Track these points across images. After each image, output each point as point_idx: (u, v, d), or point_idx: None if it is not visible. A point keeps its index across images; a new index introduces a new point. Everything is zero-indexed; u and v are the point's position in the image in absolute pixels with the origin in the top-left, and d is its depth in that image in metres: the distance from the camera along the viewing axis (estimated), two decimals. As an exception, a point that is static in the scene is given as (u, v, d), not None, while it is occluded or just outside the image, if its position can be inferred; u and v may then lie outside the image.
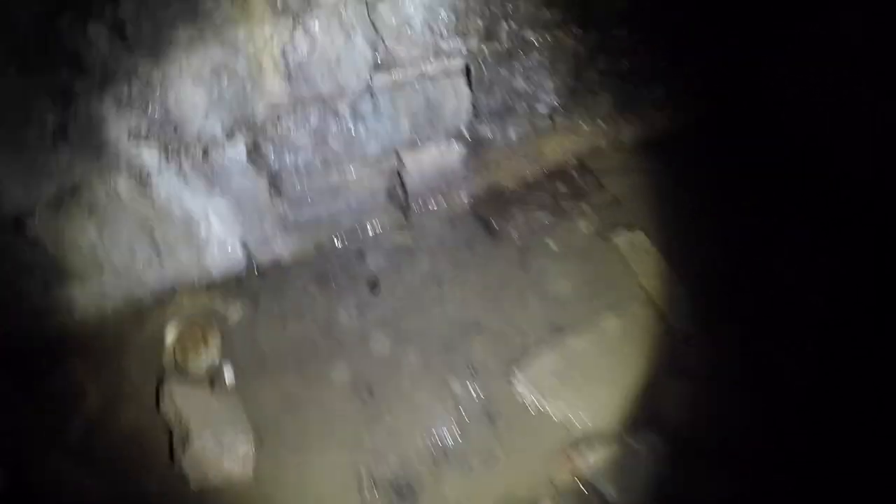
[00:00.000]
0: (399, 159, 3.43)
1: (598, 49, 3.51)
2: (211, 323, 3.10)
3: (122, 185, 2.90)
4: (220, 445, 2.52)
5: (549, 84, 3.53)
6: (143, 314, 3.19)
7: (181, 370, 2.88)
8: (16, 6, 2.34)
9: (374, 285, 3.30)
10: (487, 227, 3.47)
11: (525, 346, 2.92)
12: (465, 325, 3.03)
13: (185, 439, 2.53)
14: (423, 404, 2.78)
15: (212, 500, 2.46)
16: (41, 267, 2.95)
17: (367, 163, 3.37)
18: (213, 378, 2.86)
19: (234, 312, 3.23)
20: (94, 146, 2.74)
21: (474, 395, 2.79)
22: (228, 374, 2.90)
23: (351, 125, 3.22)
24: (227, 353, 2.97)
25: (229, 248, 3.32)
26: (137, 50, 2.60)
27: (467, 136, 3.50)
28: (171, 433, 2.64)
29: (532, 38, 3.33)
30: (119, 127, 2.75)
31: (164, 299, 3.22)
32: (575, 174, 3.67)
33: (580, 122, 3.75)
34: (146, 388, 2.80)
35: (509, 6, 3.16)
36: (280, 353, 2.98)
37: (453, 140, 3.48)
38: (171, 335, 3.03)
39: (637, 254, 3.23)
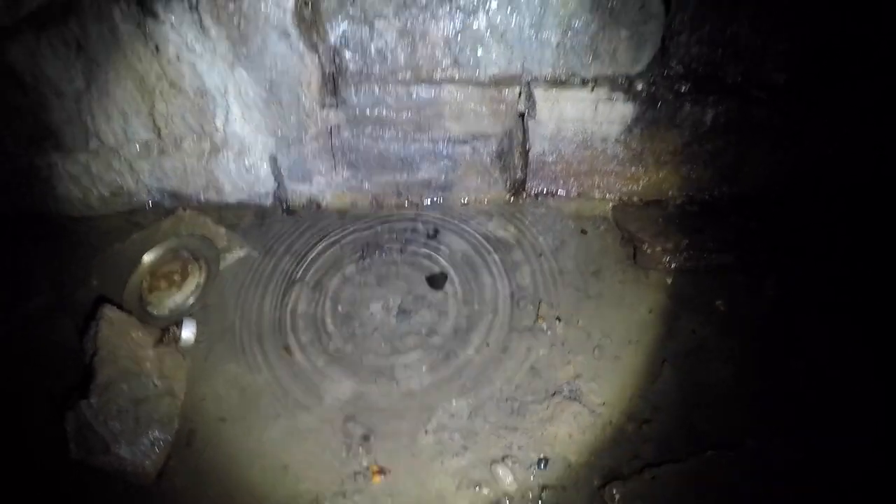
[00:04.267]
0: (529, 95, 2.45)
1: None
2: (200, 258, 2.52)
3: (120, 14, 2.30)
4: (121, 419, 2.02)
5: (785, 45, 2.33)
6: (132, 219, 2.78)
7: (142, 301, 2.40)
8: None
9: (437, 282, 2.50)
10: (633, 250, 2.58)
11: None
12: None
13: (88, 392, 2.04)
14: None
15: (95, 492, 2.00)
16: (20, 112, 2.50)
17: (479, 83, 2.44)
18: (168, 326, 2.37)
19: (235, 253, 2.64)
20: (88, -62, 2.14)
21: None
22: (187, 331, 2.35)
23: (467, 5, 2.23)
24: (201, 302, 2.48)
25: (252, 160, 2.68)
26: None
27: (641, 89, 2.43)
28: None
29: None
30: None
31: (161, 209, 2.79)
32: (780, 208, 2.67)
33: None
34: (87, 302, 2.41)
35: None
36: (266, 330, 2.41)
37: (618, 92, 2.44)
38: (150, 256, 2.48)
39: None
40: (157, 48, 2.36)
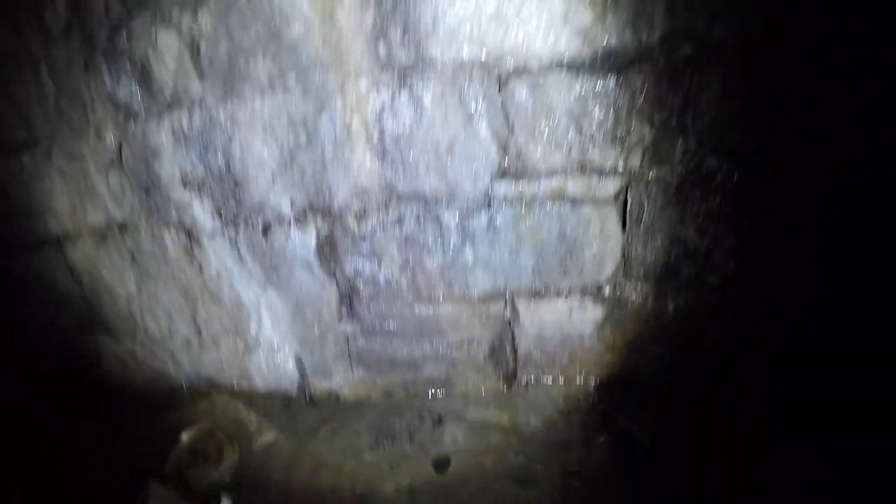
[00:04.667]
0: (513, 307, 2.71)
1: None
2: (233, 438, 2.77)
3: (170, 239, 2.65)
4: None
5: (729, 241, 2.54)
6: (170, 398, 3.04)
7: (181, 477, 2.58)
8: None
9: (441, 465, 2.68)
10: (613, 427, 2.74)
11: None
12: None
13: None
14: None
15: None
16: (76, 302, 2.88)
17: (470, 300, 2.69)
18: (206, 501, 2.49)
19: (265, 436, 2.85)
20: (146, 182, 2.53)
21: None
22: (224, 506, 2.44)
23: (456, 244, 2.55)
24: (237, 478, 2.64)
25: (280, 359, 2.96)
26: (209, 75, 2.34)
27: (608, 295, 2.68)
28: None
29: (716, 166, 2.38)
30: (173, 165, 2.48)
31: (197, 392, 3.05)
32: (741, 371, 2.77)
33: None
34: (133, 480, 2.51)
35: (690, 113, 2.27)
36: (295, 504, 2.51)
37: (588, 298, 2.68)
38: (188, 435, 2.72)
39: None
40: (200, 268, 2.68)
